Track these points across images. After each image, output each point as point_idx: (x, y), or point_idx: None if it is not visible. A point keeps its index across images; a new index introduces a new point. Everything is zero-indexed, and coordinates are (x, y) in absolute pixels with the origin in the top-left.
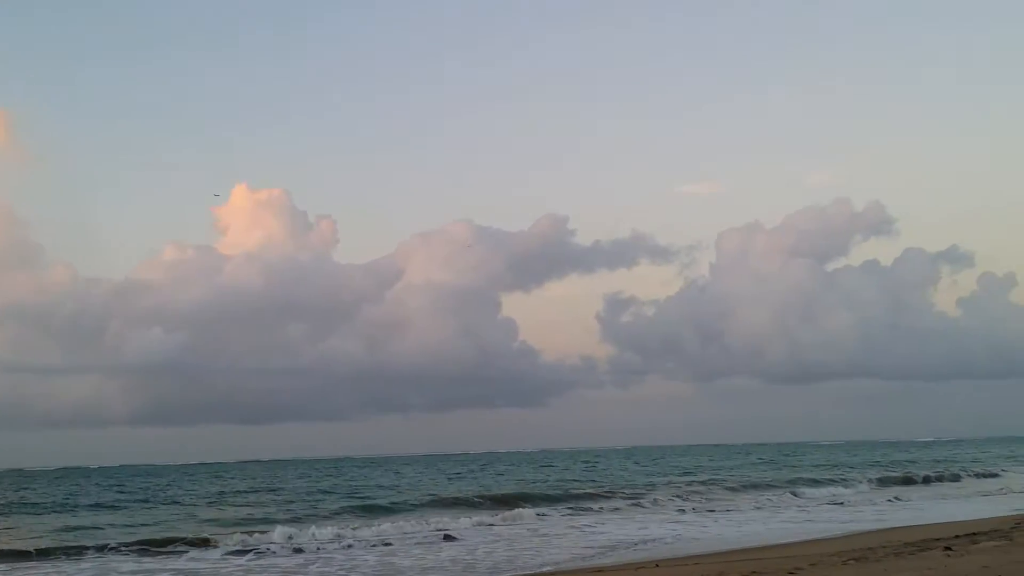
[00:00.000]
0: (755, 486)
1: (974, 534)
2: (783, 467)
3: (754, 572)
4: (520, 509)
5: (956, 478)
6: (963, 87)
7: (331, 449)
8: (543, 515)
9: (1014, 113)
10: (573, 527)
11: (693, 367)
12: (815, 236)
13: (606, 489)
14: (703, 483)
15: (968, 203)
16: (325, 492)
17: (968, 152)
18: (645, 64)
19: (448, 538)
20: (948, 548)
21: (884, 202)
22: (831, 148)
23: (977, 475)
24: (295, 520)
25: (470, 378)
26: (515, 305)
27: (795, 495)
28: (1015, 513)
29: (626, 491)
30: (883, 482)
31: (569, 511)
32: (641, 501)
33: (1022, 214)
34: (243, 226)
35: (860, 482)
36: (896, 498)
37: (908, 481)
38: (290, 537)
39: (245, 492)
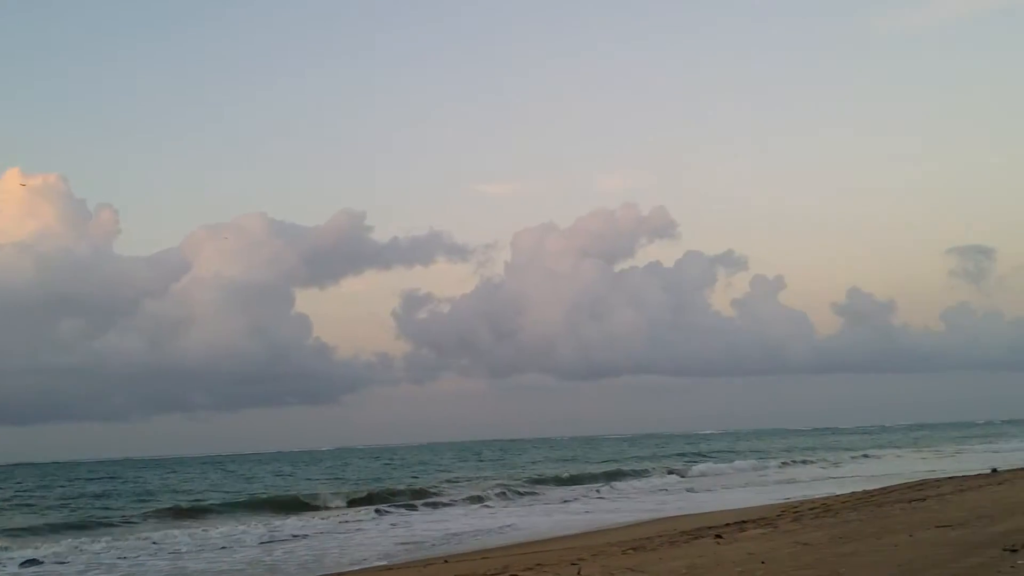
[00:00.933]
0: (558, 479)
1: (743, 522)
2: (582, 461)
3: (538, 564)
4: (319, 510)
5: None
6: (737, 103)
7: (110, 450)
8: (344, 514)
9: (784, 127)
10: (377, 525)
11: (488, 364)
12: (604, 238)
13: (407, 486)
14: (503, 479)
15: (743, 210)
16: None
17: (743, 163)
18: (445, 65)
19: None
20: (719, 536)
21: (668, 207)
22: (622, 156)
23: (754, 467)
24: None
25: (260, 376)
26: (310, 301)
27: (599, 490)
28: (782, 501)
29: (428, 488)
30: (674, 472)
31: (376, 512)
32: (440, 498)
33: (790, 221)
34: (13, 214)
35: (651, 473)
36: (690, 489)
37: (684, 473)
38: None
39: None
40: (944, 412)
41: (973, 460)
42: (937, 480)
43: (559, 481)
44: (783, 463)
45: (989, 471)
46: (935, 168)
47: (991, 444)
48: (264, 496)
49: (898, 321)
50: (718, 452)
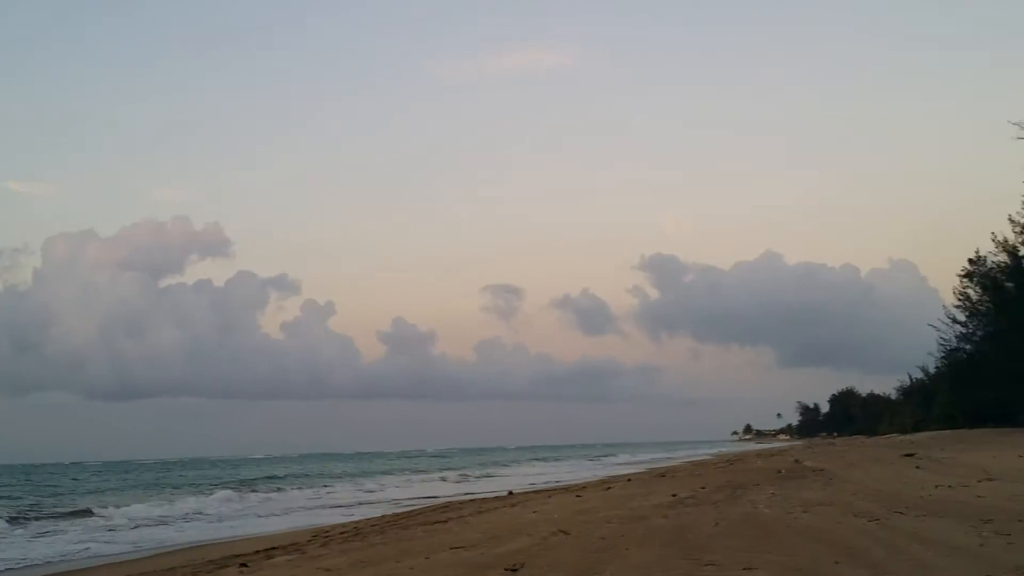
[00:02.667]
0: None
1: (273, 548)
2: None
3: None
4: None
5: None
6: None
7: None
8: None
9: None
10: None
11: (6, 380)
12: (151, 251)
13: None
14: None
15: (299, 234)
16: None
17: (303, 188)
18: None
19: None
20: (244, 564)
21: (223, 225)
22: (179, 167)
23: (300, 487)
24: None
25: None
26: None
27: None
28: (313, 526)
29: None
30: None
31: None
32: None
33: (344, 248)
34: None
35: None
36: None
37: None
38: None
39: None
40: (478, 437)
41: (496, 483)
42: (460, 502)
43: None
44: (326, 487)
45: (506, 493)
46: (474, 212)
47: (515, 468)
48: None
49: (437, 351)
50: (265, 479)
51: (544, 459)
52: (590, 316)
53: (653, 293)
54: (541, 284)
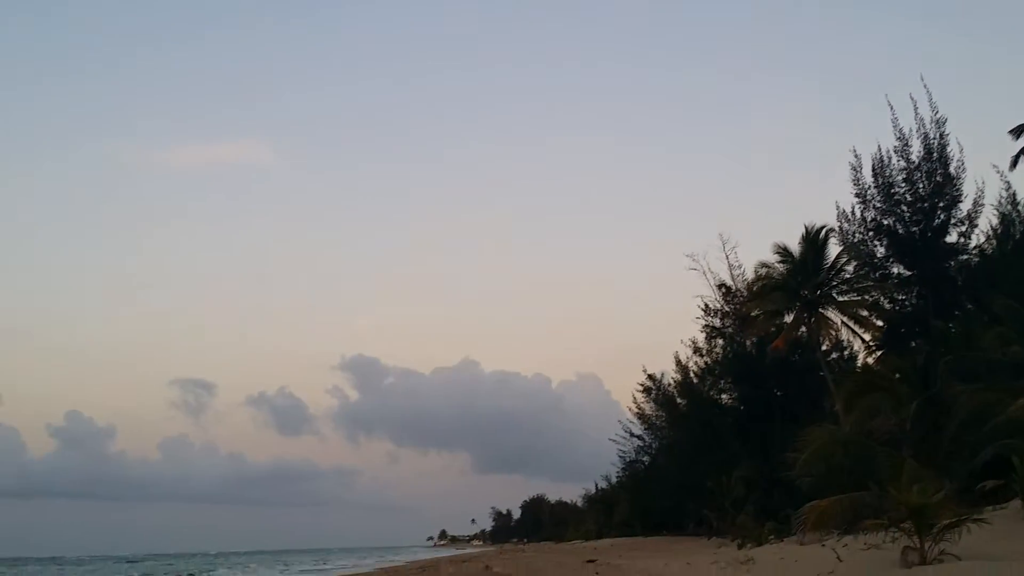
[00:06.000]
0: None
1: None
2: None
3: None
4: None
5: None
6: None
7: None
8: None
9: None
10: None
11: None
12: None
13: None
14: None
15: None
16: None
17: None
18: None
19: None
20: None
21: None
22: None
23: None
24: None
25: None
26: None
27: None
28: None
29: None
30: None
31: None
32: None
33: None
34: None
35: None
36: None
37: None
38: None
39: None
40: (161, 542)
41: None
42: None
43: None
44: None
45: None
46: (162, 303)
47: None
48: None
49: (116, 447)
50: None
51: (227, 564)
52: (287, 415)
53: (353, 394)
54: (235, 380)
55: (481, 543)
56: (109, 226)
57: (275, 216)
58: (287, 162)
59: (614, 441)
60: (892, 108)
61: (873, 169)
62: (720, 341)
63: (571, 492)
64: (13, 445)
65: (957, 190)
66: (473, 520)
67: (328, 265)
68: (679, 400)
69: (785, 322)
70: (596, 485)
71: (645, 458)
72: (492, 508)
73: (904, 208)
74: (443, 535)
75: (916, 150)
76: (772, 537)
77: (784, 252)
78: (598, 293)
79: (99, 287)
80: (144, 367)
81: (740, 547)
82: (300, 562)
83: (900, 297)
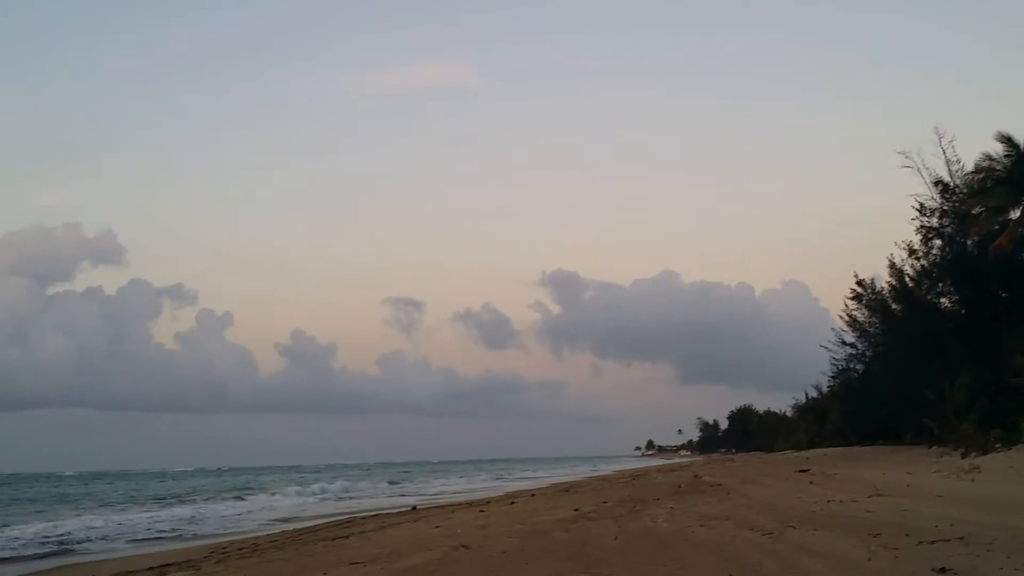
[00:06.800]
0: None
1: (167, 565)
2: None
3: None
4: None
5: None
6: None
7: None
8: None
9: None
10: None
11: None
12: (39, 257)
13: None
14: None
15: (197, 243)
16: None
17: (200, 194)
18: None
19: None
20: None
21: (117, 231)
22: (67, 170)
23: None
24: None
25: None
26: None
27: None
28: (211, 543)
29: None
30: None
31: None
32: None
33: (243, 259)
34: None
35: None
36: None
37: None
38: None
39: None
40: (379, 452)
41: (401, 499)
42: (363, 517)
43: None
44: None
45: (410, 508)
46: (372, 224)
47: (420, 484)
48: None
49: (338, 364)
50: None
51: (445, 473)
52: (492, 330)
53: (555, 308)
54: (442, 298)
55: (689, 453)
56: (327, 148)
57: (478, 136)
58: (491, 84)
59: (825, 348)
60: None
61: None
62: (938, 242)
63: (780, 402)
64: (247, 364)
65: None
66: (680, 431)
67: (525, 182)
68: (894, 306)
69: (1010, 219)
70: (806, 394)
71: (858, 366)
72: (698, 418)
73: None
74: (650, 445)
75: None
76: (999, 445)
77: (1009, 142)
78: (803, 196)
79: (318, 211)
80: (360, 288)
81: (964, 456)
82: (515, 469)
83: None
